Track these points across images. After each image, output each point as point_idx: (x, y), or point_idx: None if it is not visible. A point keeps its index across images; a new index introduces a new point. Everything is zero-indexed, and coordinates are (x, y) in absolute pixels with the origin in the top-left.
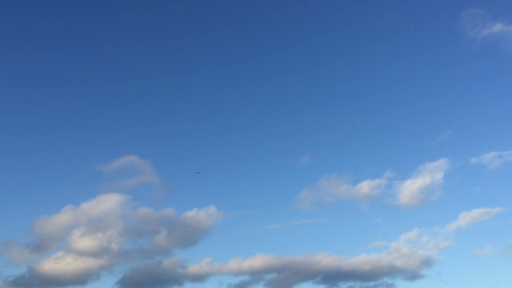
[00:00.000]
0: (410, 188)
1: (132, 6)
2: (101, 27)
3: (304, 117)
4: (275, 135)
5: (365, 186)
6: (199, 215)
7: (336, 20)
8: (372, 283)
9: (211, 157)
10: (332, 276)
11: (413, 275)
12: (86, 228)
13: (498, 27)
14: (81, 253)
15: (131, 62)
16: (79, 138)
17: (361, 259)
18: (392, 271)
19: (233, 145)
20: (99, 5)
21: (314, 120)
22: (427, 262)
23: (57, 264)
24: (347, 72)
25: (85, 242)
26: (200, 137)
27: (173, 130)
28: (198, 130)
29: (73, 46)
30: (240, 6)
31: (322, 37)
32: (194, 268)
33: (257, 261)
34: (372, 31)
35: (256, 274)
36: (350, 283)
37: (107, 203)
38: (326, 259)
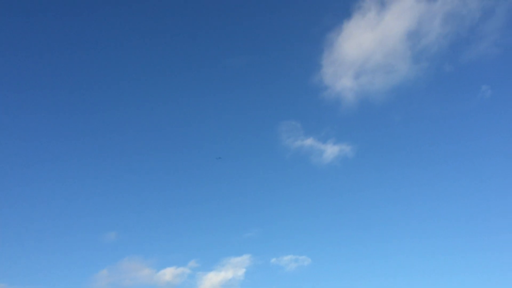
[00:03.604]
0: (212, 280)
1: None
2: None
3: (116, 193)
4: (81, 208)
5: (168, 273)
6: None
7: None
8: None
9: None
10: None
11: None
12: None
13: (309, 141)
14: None
15: None
16: None
17: None
18: None
19: (27, 215)
20: None
21: (125, 198)
22: None
23: None
24: (159, 161)
25: None
26: None
27: None
28: None
29: None
30: None
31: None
32: None
33: None
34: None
35: None
36: None
37: None
38: None
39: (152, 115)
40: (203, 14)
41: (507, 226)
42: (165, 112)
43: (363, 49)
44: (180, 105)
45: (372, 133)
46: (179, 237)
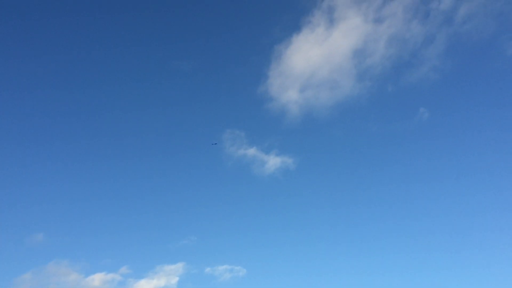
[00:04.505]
0: None
1: None
2: None
3: (44, 192)
4: (6, 206)
5: (97, 279)
6: None
7: None
8: None
9: None
10: None
11: None
12: None
13: (252, 151)
14: None
15: None
16: None
17: None
18: None
19: None
20: None
21: (55, 198)
22: None
23: None
24: (94, 162)
25: None
26: None
27: None
28: None
29: None
30: None
31: None
32: None
33: None
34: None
35: None
36: None
37: None
38: None
39: (88, 119)
40: (151, 14)
41: (442, 243)
42: (103, 115)
43: (310, 64)
44: (121, 105)
45: (314, 147)
46: (111, 242)
